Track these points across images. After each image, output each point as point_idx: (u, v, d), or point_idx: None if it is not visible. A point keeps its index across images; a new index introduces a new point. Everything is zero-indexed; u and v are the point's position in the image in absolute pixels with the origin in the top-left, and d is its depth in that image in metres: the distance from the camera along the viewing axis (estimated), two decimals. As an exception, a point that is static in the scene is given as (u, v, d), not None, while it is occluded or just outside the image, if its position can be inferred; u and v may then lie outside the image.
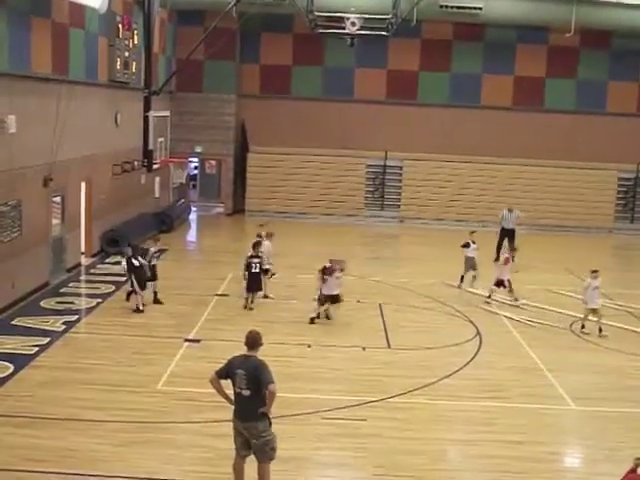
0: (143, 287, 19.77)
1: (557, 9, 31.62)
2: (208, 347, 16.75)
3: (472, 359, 16.81)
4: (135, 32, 27.40)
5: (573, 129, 36.66)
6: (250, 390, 9.84)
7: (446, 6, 31.47)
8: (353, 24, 28.41)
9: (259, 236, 21.82)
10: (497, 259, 27.32)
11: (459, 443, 12.69)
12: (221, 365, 10.26)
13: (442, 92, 36.91)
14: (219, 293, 21.45)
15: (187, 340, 17.14)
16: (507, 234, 28.50)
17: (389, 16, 28.31)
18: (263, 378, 9.75)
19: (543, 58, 36.69)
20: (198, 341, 17.14)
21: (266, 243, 21.54)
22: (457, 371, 15.94)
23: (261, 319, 19.14)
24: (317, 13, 28.58)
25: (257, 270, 20.17)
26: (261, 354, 16.08)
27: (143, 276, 19.88)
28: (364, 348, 17.07)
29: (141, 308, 19.46)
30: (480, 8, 31.62)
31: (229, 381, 10.08)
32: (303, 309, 20.04)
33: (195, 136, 35.45)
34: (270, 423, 9.94)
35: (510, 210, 28.95)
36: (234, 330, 17.90)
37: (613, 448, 12.50)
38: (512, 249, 25.21)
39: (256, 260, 20.20)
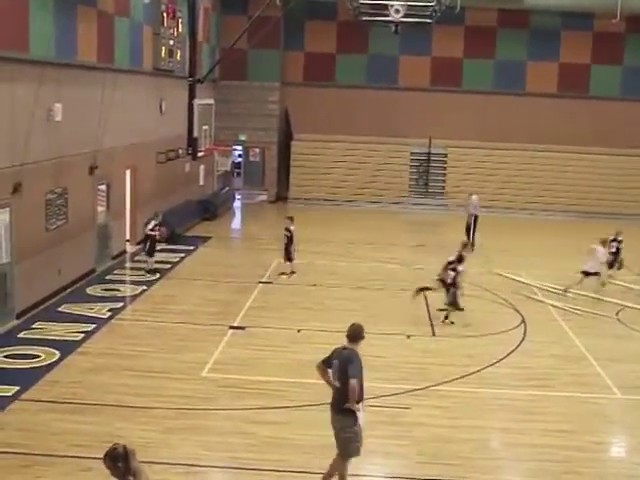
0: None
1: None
2: (252, 334, 16.83)
3: (517, 347, 16.69)
4: (180, 21, 27.55)
5: (619, 115, 36.13)
6: (340, 382, 9.75)
7: (491, -8, 31.27)
8: (397, 11, 28.24)
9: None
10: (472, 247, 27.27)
11: (503, 431, 12.61)
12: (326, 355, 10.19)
13: (486, 79, 36.65)
14: (263, 280, 21.52)
15: (231, 327, 17.21)
16: (472, 219, 28.07)
17: (433, 3, 28.11)
18: (349, 371, 9.62)
19: (588, 45, 36.26)
20: (243, 328, 17.21)
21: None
22: (502, 359, 15.84)
23: (304, 306, 19.22)
24: (361, 1, 28.47)
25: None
26: (304, 340, 16.37)
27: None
28: (409, 336, 17.05)
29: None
30: (525, -6, 31.36)
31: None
32: (345, 296, 20.10)
33: (239, 124, 35.59)
34: (356, 420, 9.78)
35: (474, 195, 28.60)
36: (278, 317, 18.09)
37: (660, 438, 12.35)
38: None
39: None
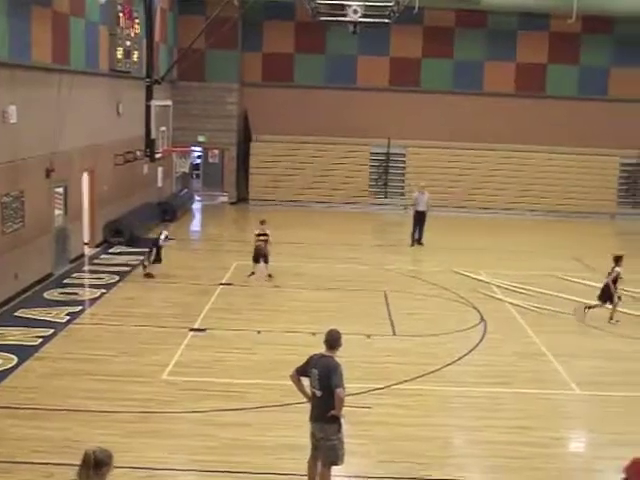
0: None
1: (559, -5, 31.55)
2: (213, 336, 16.77)
3: (477, 345, 16.80)
4: (136, 21, 27.33)
5: (575, 115, 36.52)
6: (322, 391, 9.65)
7: (448, -8, 31.41)
8: (355, 11, 28.26)
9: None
10: (412, 244, 27.36)
11: (464, 429, 12.69)
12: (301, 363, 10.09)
13: (445, 79, 36.80)
14: (223, 282, 21.44)
15: (192, 330, 17.13)
16: (419, 217, 28.07)
17: (391, 3, 28.18)
18: (332, 380, 9.55)
19: (545, 45, 36.56)
20: (203, 330, 17.14)
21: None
22: (462, 357, 15.94)
23: (266, 307, 19.21)
24: (319, 1, 28.48)
25: None
26: (268, 341, 16.35)
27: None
28: (369, 336, 17.09)
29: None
30: (482, -6, 31.54)
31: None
32: (307, 298, 20.13)
33: (198, 125, 35.38)
34: (340, 428, 9.74)
35: (422, 192, 28.40)
36: (239, 319, 18.05)
37: (618, 432, 12.48)
38: None
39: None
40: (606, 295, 18.92)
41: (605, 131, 36.24)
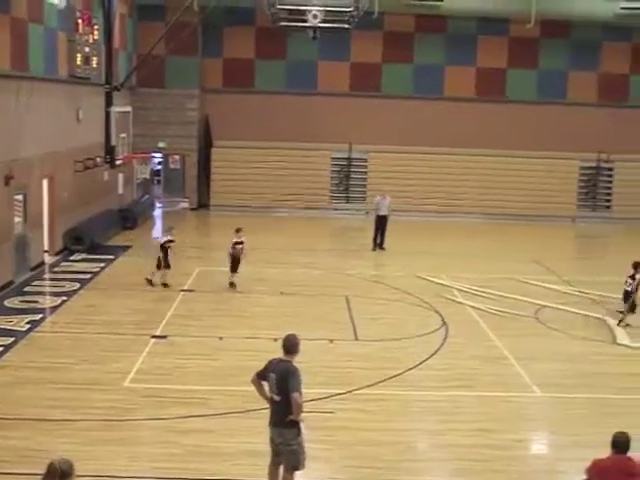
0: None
1: (516, 0, 31.81)
2: (175, 343, 16.70)
3: (438, 349, 16.88)
4: (95, 27, 27.15)
5: (535, 119, 36.88)
6: (280, 395, 9.62)
7: (409, -2, 31.56)
8: (315, 17, 28.35)
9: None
10: (374, 249, 27.48)
11: (427, 433, 12.77)
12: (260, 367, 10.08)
13: (405, 84, 36.98)
14: (185, 289, 21.35)
15: (154, 336, 17.03)
16: (381, 221, 28.18)
17: (351, 9, 28.29)
18: (289, 385, 9.53)
19: (504, 49, 36.90)
20: (165, 337, 17.05)
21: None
22: (424, 361, 16.01)
23: (227, 313, 19.17)
24: (279, 6, 28.49)
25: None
26: (230, 347, 16.31)
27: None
28: (331, 341, 17.11)
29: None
30: (441, 0, 31.71)
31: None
32: (269, 303, 20.12)
33: (158, 131, 35.23)
34: (299, 432, 9.71)
35: (383, 196, 28.54)
36: (201, 326, 17.99)
37: (579, 434, 12.60)
38: None
39: None
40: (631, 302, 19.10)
41: (565, 135, 36.64)
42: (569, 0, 32.05)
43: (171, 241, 21.91)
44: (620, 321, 19.03)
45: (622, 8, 31.91)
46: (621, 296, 19.38)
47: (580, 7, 32.40)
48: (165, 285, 21.36)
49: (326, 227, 33.94)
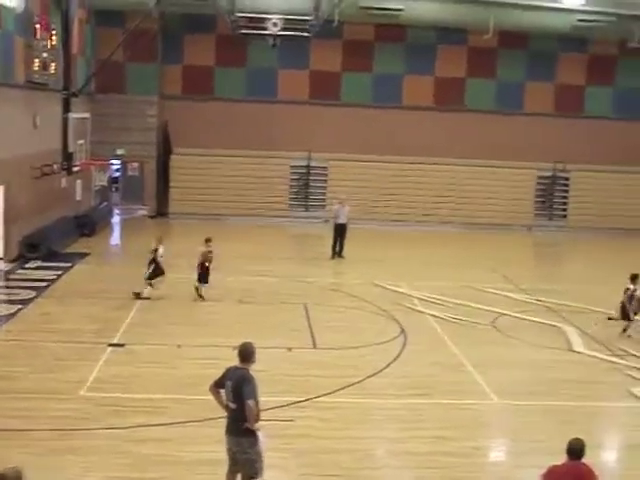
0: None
1: (475, 11, 32.12)
2: (132, 351, 16.55)
3: (397, 357, 16.92)
4: (53, 32, 26.91)
5: (493, 129, 37.22)
6: (235, 403, 9.57)
7: (367, 7, 31.64)
8: (275, 25, 28.51)
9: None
10: (333, 257, 27.56)
11: (385, 441, 12.78)
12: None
13: (365, 92, 37.12)
14: (143, 296, 21.17)
15: (111, 345, 16.87)
16: (339, 229, 28.15)
17: (311, 17, 28.42)
18: (244, 392, 9.48)
19: (463, 59, 37.21)
20: (122, 345, 16.90)
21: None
22: (382, 369, 16.03)
23: (185, 321, 19.04)
24: (239, 14, 28.52)
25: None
26: (188, 355, 16.21)
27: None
28: (290, 349, 17.08)
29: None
30: (401, 9, 31.92)
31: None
32: (227, 311, 20.04)
33: (117, 138, 34.95)
34: (256, 441, 9.62)
35: (342, 204, 28.50)
36: (159, 334, 17.85)
37: (536, 440, 12.68)
38: None
39: None
40: (625, 312, 19.25)
41: (522, 145, 37.06)
42: (526, 12, 32.35)
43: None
44: (624, 330, 19.25)
45: (579, 20, 32.32)
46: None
47: (537, 19, 32.77)
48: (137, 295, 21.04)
49: (285, 235, 33.92)
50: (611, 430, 14.22)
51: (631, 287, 19.14)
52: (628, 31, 32.54)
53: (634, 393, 15.21)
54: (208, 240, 21.62)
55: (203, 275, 21.20)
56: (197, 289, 21.19)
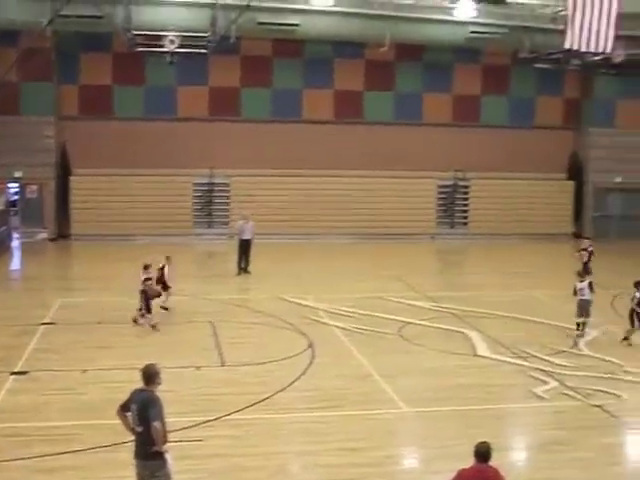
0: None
1: (371, 25, 32.52)
2: (36, 379, 16.15)
3: (305, 371, 16.97)
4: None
5: (393, 140, 37.74)
6: (141, 426, 9.45)
7: (264, 23, 31.73)
8: (172, 42, 28.34)
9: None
10: (239, 273, 27.65)
11: (298, 455, 12.81)
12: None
13: (264, 108, 37.24)
14: (45, 322, 20.73)
15: (13, 373, 16.45)
16: (244, 245, 28.09)
17: (207, 34, 28.36)
18: (149, 414, 9.36)
19: (361, 72, 37.64)
20: (25, 373, 16.50)
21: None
22: (291, 383, 16.05)
23: (90, 345, 18.68)
24: (135, 31, 28.27)
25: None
26: (95, 380, 15.93)
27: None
28: (198, 367, 16.96)
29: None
30: (297, 25, 32.12)
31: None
32: (132, 332, 19.80)
33: (13, 160, 34.23)
34: (165, 463, 9.51)
35: (246, 220, 28.50)
36: (63, 359, 17.49)
37: (445, 446, 12.89)
38: None
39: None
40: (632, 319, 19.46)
41: (422, 154, 37.71)
42: (421, 24, 32.95)
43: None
44: (625, 338, 19.52)
45: (472, 32, 33.10)
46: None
47: (432, 31, 33.41)
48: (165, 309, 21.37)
49: (190, 253, 33.68)
50: (517, 431, 14.56)
51: (637, 295, 19.32)
52: (519, 42, 33.43)
53: (537, 393, 15.61)
54: (147, 266, 20.81)
55: (147, 305, 20.35)
56: (135, 320, 20.46)
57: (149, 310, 20.38)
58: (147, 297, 20.39)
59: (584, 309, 19.83)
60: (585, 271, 21.96)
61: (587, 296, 19.88)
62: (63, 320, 20.76)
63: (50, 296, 23.56)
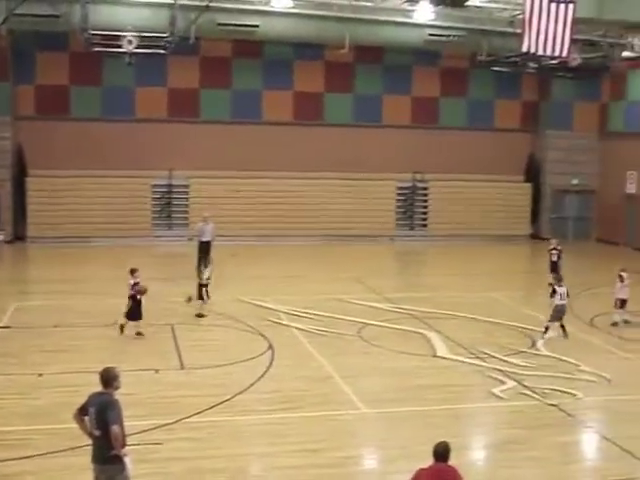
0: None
1: (330, 26, 32.45)
2: (-9, 383, 15.96)
3: (265, 372, 16.92)
4: None
5: (352, 141, 37.82)
6: (99, 430, 9.31)
7: (224, 24, 31.58)
8: (130, 42, 28.13)
9: None
10: (198, 275, 27.38)
11: (258, 456, 12.77)
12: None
13: (224, 109, 37.11)
14: (0, 325, 20.43)
15: (-32, 377, 16.22)
16: (204, 247, 27.20)
17: (166, 34, 28.19)
18: (108, 418, 9.24)
19: (320, 74, 37.67)
20: (-21, 377, 16.27)
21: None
22: (251, 385, 15.99)
23: (46, 349, 18.45)
24: (92, 31, 28.01)
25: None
26: (50, 384, 15.73)
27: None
28: (157, 370, 16.83)
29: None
30: (257, 26, 32.01)
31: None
32: (91, 335, 19.60)
33: (-32, 162, 33.78)
34: (123, 467, 9.39)
35: (206, 222, 27.69)
36: (18, 363, 17.26)
37: (404, 446, 12.92)
38: None
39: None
40: None
41: (381, 156, 37.84)
42: (380, 27, 32.99)
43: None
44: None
45: (430, 35, 33.23)
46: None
47: (391, 34, 33.43)
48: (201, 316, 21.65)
49: (149, 255, 33.41)
50: (476, 430, 14.63)
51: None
52: (477, 45, 33.62)
53: (495, 393, 15.71)
54: (134, 271, 20.22)
55: (134, 311, 19.74)
56: (122, 327, 19.75)
57: (140, 316, 19.77)
58: (137, 303, 19.81)
59: (562, 313, 20.04)
60: (555, 269, 22.44)
61: (565, 300, 20.13)
62: (19, 324, 20.49)
63: (5, 300, 23.21)
